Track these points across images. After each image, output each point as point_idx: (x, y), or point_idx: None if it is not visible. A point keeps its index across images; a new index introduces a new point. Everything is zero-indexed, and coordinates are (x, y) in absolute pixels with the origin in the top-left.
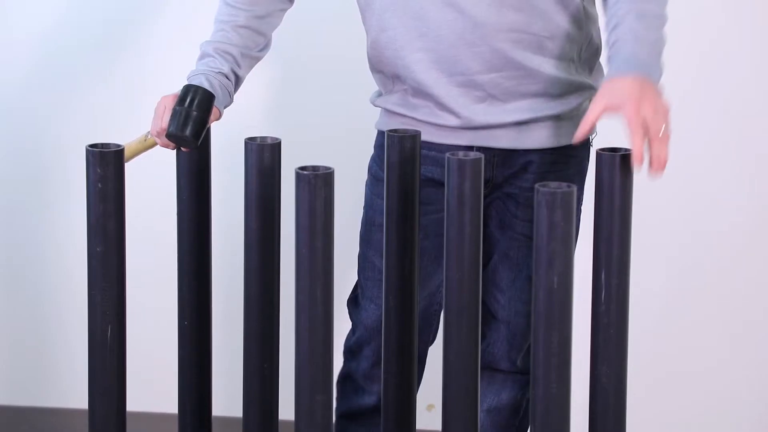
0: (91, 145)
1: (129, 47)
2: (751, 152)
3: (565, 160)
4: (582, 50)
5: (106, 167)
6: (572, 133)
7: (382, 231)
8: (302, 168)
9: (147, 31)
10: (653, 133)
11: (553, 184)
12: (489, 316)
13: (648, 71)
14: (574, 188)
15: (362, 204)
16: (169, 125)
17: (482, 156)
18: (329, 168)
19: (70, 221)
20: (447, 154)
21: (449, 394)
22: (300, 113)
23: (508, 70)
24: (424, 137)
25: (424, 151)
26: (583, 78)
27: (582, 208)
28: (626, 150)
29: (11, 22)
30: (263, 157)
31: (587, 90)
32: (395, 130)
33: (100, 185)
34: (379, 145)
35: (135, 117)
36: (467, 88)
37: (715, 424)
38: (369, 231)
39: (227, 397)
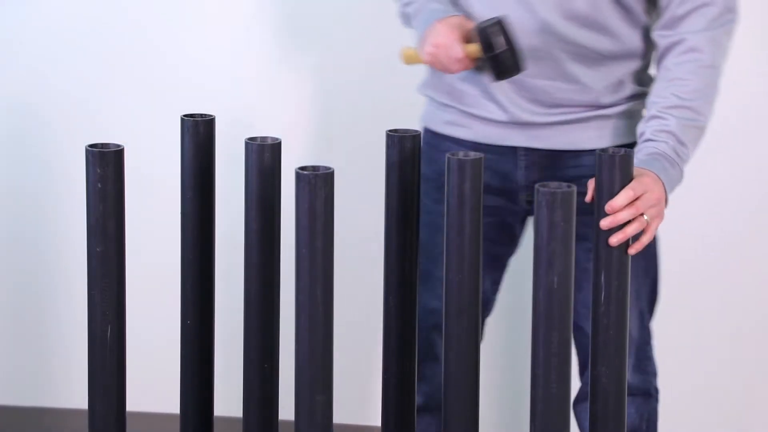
0: (91, 145)
1: (129, 47)
2: (751, 153)
3: None
4: (639, 67)
5: (106, 167)
6: (624, 132)
7: (427, 229)
8: (302, 168)
9: (147, 31)
10: (642, 205)
11: (553, 184)
12: (584, 337)
13: (672, 179)
14: (574, 188)
15: (361, 203)
16: (507, 69)
17: (482, 156)
18: (329, 168)
19: (70, 221)
20: (447, 154)
21: (449, 394)
22: (300, 113)
23: (561, 81)
24: (472, 137)
25: (460, 150)
26: (636, 87)
27: None
28: (626, 150)
29: (12, 22)
30: (263, 157)
31: (638, 97)
32: (395, 130)
33: (100, 185)
34: (425, 143)
35: (135, 117)
36: (518, 85)
37: (714, 424)
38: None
39: (227, 397)
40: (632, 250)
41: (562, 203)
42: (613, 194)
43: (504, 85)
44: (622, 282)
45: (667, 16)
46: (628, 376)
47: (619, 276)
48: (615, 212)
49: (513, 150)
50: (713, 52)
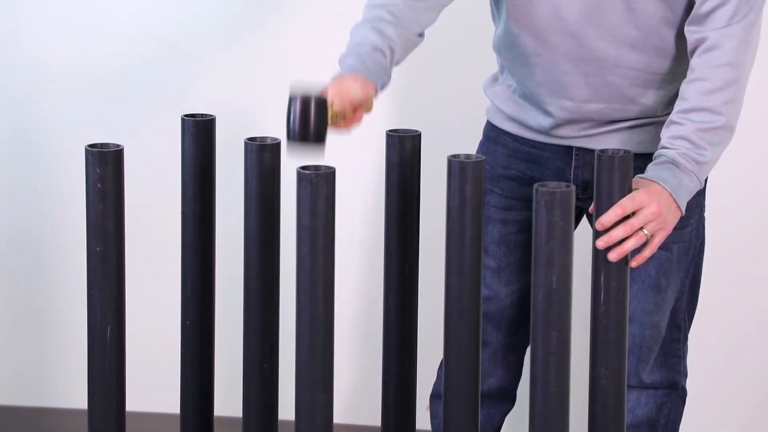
0: (91, 145)
1: (129, 47)
2: (752, 153)
3: None
4: (681, 80)
5: (106, 167)
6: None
7: (489, 222)
8: (303, 167)
9: (147, 31)
10: (637, 222)
11: (552, 184)
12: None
13: (683, 187)
14: (572, 188)
15: (362, 203)
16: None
17: (483, 158)
18: (330, 167)
19: (70, 221)
20: (448, 156)
21: (449, 395)
22: None
23: (617, 102)
24: (529, 136)
25: (517, 146)
26: (675, 97)
27: (705, 215)
28: (626, 151)
29: (12, 21)
30: (263, 157)
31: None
32: (395, 130)
33: (99, 185)
34: (485, 135)
35: (135, 117)
36: (572, 113)
37: (713, 424)
38: None
39: (227, 397)
40: (633, 263)
41: (560, 203)
42: (612, 195)
43: (559, 114)
44: (622, 283)
45: (693, 12)
46: (650, 373)
47: (619, 277)
48: (605, 229)
49: (568, 149)
50: (732, 48)
